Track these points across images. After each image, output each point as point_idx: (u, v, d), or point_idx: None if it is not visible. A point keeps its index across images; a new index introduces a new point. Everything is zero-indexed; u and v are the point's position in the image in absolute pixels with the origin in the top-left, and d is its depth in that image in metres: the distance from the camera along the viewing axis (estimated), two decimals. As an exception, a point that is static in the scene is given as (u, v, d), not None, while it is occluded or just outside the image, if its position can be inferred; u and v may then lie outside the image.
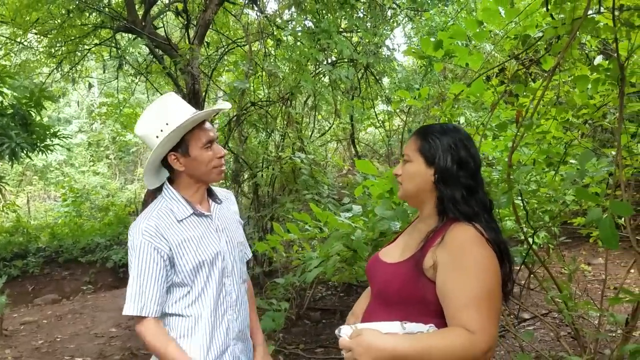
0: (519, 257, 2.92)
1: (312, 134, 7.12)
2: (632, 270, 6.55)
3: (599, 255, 7.10)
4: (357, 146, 10.82)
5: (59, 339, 5.27)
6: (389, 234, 3.05)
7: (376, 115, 8.18)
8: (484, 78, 3.80)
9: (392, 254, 1.60)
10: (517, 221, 2.78)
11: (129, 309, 1.74)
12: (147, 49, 9.06)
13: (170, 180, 1.90)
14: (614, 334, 2.84)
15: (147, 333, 1.74)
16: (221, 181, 6.85)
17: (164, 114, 1.79)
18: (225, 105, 2.00)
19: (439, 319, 1.39)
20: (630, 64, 2.97)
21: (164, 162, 1.84)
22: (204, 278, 1.82)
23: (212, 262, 1.83)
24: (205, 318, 1.81)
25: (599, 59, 3.64)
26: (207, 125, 1.85)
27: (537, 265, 3.17)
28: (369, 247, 2.96)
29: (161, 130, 1.77)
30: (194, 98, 9.14)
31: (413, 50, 3.30)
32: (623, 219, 4.11)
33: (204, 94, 9.61)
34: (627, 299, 2.71)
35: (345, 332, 1.39)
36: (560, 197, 2.89)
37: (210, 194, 1.97)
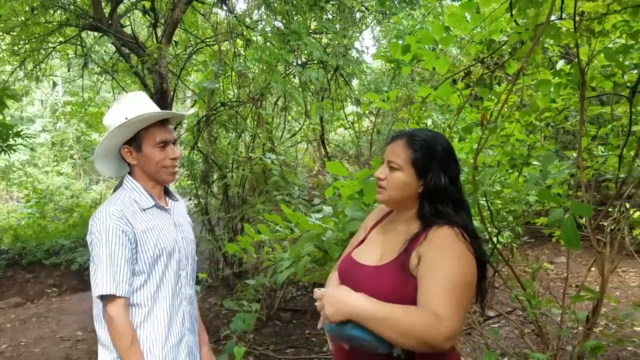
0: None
1: (282, 134, 7.12)
2: (592, 269, 6.77)
3: (561, 254, 7.31)
4: (327, 147, 10.87)
5: (23, 343, 5.15)
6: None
7: (346, 116, 8.23)
8: (450, 82, 3.89)
9: (369, 255, 1.63)
10: (481, 221, 2.85)
11: (103, 288, 1.73)
12: (114, 47, 8.93)
13: (130, 174, 1.96)
14: (575, 331, 2.93)
15: (118, 315, 1.74)
16: (190, 182, 6.80)
17: (129, 109, 1.86)
18: (182, 113, 2.05)
19: None
20: (590, 68, 3.07)
21: (122, 156, 1.92)
22: (162, 267, 1.86)
23: (170, 253, 1.89)
24: (163, 308, 1.86)
25: (560, 64, 3.77)
26: (167, 126, 1.92)
27: (502, 264, 3.25)
28: (339, 247, 2.99)
29: (120, 124, 1.84)
30: (162, 97, 9.03)
31: (382, 53, 3.35)
32: (584, 219, 4.25)
33: (172, 93, 9.53)
34: (588, 296, 2.82)
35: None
36: (523, 198, 2.98)
37: (167, 192, 2.05)
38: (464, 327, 1.46)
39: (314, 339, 4.90)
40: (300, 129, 7.54)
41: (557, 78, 3.22)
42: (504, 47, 3.59)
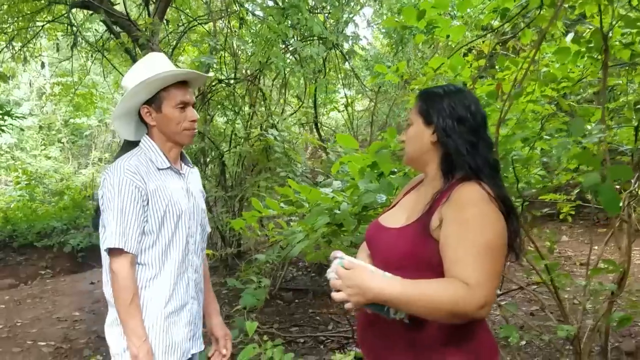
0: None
1: (282, 111, 6.98)
2: (595, 247, 6.75)
3: (562, 233, 7.27)
4: (321, 130, 10.73)
5: (19, 324, 5.01)
6: (374, 208, 3.00)
7: (346, 97, 8.08)
8: (461, 54, 3.77)
9: (396, 219, 1.57)
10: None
11: (112, 241, 1.70)
12: (104, 25, 8.68)
13: (148, 136, 1.93)
14: (598, 305, 2.86)
15: (122, 270, 1.71)
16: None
17: (149, 69, 1.82)
18: (203, 74, 1.99)
19: None
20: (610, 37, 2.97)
21: (141, 117, 1.89)
22: (171, 229, 1.83)
23: (179, 217, 1.85)
24: (169, 270, 1.83)
25: (569, 37, 3.66)
26: (187, 88, 1.89)
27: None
28: (354, 220, 2.89)
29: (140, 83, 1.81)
30: (155, 77, 8.87)
31: (395, 19, 3.22)
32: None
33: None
34: (610, 269, 2.75)
35: (340, 258, 1.38)
36: (555, 163, 2.88)
37: (182, 158, 2.01)
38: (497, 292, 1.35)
39: (318, 318, 4.83)
40: (300, 107, 7.38)
41: (575, 46, 3.12)
42: (518, 16, 3.48)
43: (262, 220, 4.17)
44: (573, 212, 4.95)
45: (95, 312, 5.34)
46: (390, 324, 1.40)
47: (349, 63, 7.41)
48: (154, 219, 1.79)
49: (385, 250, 1.50)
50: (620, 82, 3.64)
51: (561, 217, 4.81)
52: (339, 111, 11.35)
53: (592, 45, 3.00)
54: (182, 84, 1.86)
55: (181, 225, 1.86)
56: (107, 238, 1.71)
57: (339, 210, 3.08)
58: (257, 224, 3.71)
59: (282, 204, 3.30)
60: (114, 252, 1.71)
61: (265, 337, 3.17)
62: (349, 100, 10.10)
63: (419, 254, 1.40)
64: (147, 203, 1.77)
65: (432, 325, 1.38)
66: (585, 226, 7.33)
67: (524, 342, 3.41)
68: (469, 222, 1.32)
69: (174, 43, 9.40)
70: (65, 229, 9.23)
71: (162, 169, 1.87)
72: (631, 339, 3.45)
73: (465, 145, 1.44)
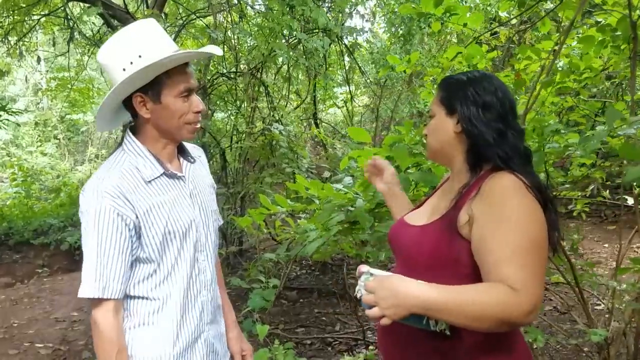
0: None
1: (287, 105, 6.82)
2: (605, 245, 6.62)
3: (570, 230, 7.13)
4: (320, 126, 10.58)
5: (16, 325, 4.85)
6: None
7: (350, 92, 7.91)
8: (475, 43, 3.62)
9: (420, 217, 1.46)
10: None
11: (87, 291, 1.38)
12: (102, 19, 8.51)
13: (133, 130, 1.53)
14: (622, 306, 2.72)
15: (105, 321, 1.40)
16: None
17: (138, 44, 1.42)
18: (216, 49, 1.57)
19: (473, 282, 1.23)
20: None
21: (127, 104, 1.48)
22: (174, 253, 1.49)
23: (184, 234, 1.51)
24: (175, 301, 1.50)
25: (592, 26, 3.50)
26: (189, 70, 1.49)
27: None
28: (370, 217, 2.74)
29: (131, 63, 1.40)
30: (153, 71, 8.70)
31: (413, 6, 3.07)
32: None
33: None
34: (637, 268, 2.61)
35: (367, 273, 1.25)
36: (589, 156, 2.73)
37: (182, 151, 1.62)
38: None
39: (324, 318, 4.68)
40: (303, 101, 7.21)
41: (600, 34, 2.97)
42: (536, 6, 3.34)
43: (266, 217, 4.01)
44: (588, 209, 4.82)
45: (94, 312, 5.19)
46: (416, 331, 1.28)
47: (352, 56, 7.25)
48: (152, 246, 1.45)
49: (409, 248, 1.39)
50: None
51: (575, 213, 4.67)
52: (338, 107, 11.20)
53: (618, 33, 2.85)
54: (184, 65, 1.46)
55: (188, 243, 1.53)
56: (82, 284, 1.40)
57: (352, 207, 2.94)
58: (262, 223, 3.57)
59: (289, 201, 3.16)
60: (94, 300, 1.40)
61: (274, 340, 3.02)
62: (349, 96, 9.96)
63: (445, 252, 1.28)
64: (139, 231, 1.43)
65: (466, 334, 1.25)
66: (594, 223, 7.21)
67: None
68: (508, 218, 1.19)
69: (173, 37, 9.25)
70: (63, 227, 9.05)
71: (151, 180, 1.49)
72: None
73: (493, 134, 1.31)
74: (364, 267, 1.27)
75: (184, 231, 1.50)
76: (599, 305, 3.94)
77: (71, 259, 8.12)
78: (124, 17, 8.21)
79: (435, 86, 3.75)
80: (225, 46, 6.69)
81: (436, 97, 1.44)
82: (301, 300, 5.19)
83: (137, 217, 1.42)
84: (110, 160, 1.49)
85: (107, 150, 18.29)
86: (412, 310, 1.15)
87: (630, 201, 3.69)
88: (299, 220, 3.56)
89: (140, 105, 1.45)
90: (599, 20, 3.46)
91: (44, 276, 7.37)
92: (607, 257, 5.88)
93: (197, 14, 9.24)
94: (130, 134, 1.51)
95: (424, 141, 1.51)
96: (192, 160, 1.64)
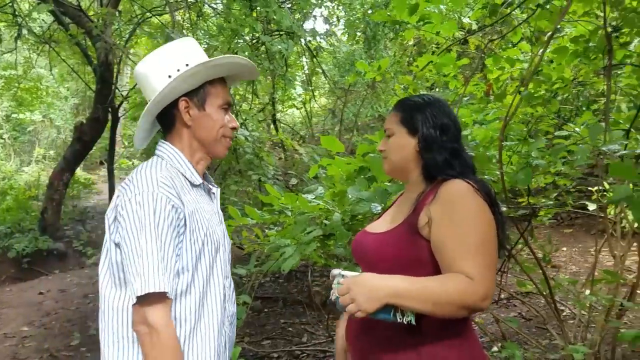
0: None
1: (250, 107, 6.65)
2: (564, 248, 6.75)
3: (540, 237, 7.25)
4: (279, 128, 10.46)
5: (-42, 343, 4.53)
6: (365, 217, 2.78)
7: (312, 93, 7.81)
8: (445, 52, 3.59)
9: (380, 225, 1.58)
10: (505, 200, 2.58)
11: (154, 283, 1.19)
12: (52, 15, 8.14)
13: (168, 141, 1.46)
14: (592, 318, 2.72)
15: (166, 325, 1.22)
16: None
17: (184, 54, 1.42)
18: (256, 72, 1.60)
19: None
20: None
21: (164, 114, 1.43)
22: (207, 266, 1.35)
23: (217, 251, 1.39)
24: (207, 325, 1.34)
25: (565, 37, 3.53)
26: (228, 85, 1.51)
27: (518, 247, 3.01)
28: (345, 230, 2.65)
29: (177, 70, 1.38)
30: (107, 70, 8.35)
31: (388, 14, 3.00)
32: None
33: (116, 66, 8.83)
34: (609, 280, 2.61)
35: (339, 275, 1.36)
36: (572, 173, 2.73)
37: (205, 175, 1.55)
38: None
39: (290, 329, 4.56)
40: (267, 104, 7.07)
41: (574, 45, 2.98)
42: (512, 13, 3.32)
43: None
44: (550, 216, 4.88)
45: (47, 326, 4.90)
46: (391, 329, 1.39)
47: (315, 59, 7.15)
48: (191, 252, 1.31)
49: (373, 253, 1.48)
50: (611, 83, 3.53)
51: (538, 220, 4.73)
52: (297, 108, 11.11)
53: (592, 45, 2.86)
54: (223, 80, 1.47)
55: (219, 263, 1.41)
56: (143, 279, 1.20)
57: (327, 219, 2.85)
58: (229, 234, 3.43)
59: (260, 212, 3.04)
60: (150, 299, 1.21)
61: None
62: (308, 97, 9.87)
63: (407, 253, 1.41)
64: (184, 231, 1.30)
65: (434, 328, 1.39)
66: (551, 226, 7.35)
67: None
68: (462, 218, 1.35)
69: (127, 35, 8.94)
70: (9, 233, 8.61)
71: (195, 186, 1.42)
72: (617, 347, 3.35)
73: (446, 155, 1.48)
74: (335, 271, 1.38)
75: (217, 247, 1.40)
76: (563, 310, 3.98)
77: (19, 267, 7.72)
78: (76, 15, 7.89)
79: (407, 93, 3.71)
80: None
81: (394, 117, 1.57)
82: (266, 310, 5.05)
83: (185, 215, 1.31)
84: (150, 163, 1.38)
85: (55, 150, 17.58)
86: (384, 301, 1.26)
87: (592, 207, 3.76)
88: (267, 232, 3.44)
89: (184, 110, 1.41)
90: (567, 29, 3.50)
91: (-11, 287, 6.95)
92: (567, 260, 5.99)
93: (153, 12, 8.97)
94: (167, 143, 1.43)
95: (384, 155, 1.59)
96: (215, 186, 1.55)
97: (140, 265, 1.21)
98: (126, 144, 16.43)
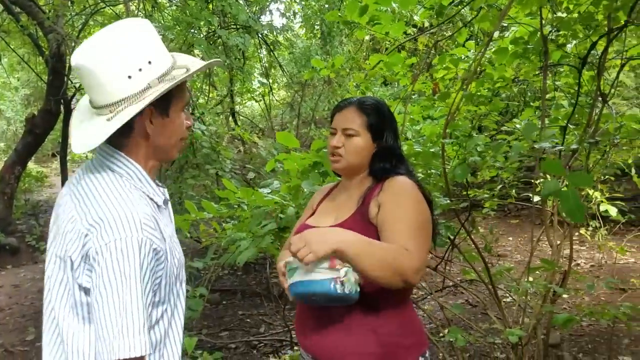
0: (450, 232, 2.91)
1: (207, 101, 6.66)
2: (510, 238, 7.07)
3: (477, 224, 7.54)
4: (238, 120, 10.45)
5: None
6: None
7: (270, 85, 7.86)
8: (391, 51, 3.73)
9: (324, 219, 1.66)
10: (447, 193, 2.74)
11: (136, 347, 1.06)
12: (2, 5, 7.90)
13: (121, 151, 1.24)
14: (532, 304, 2.92)
15: None
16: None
17: (144, 48, 1.18)
18: (218, 61, 1.41)
19: None
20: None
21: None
22: (177, 289, 1.25)
23: (180, 269, 1.27)
24: (176, 332, 1.26)
25: (496, 34, 3.72)
26: None
27: (460, 237, 3.19)
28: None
29: (139, 70, 1.16)
30: (59, 62, 8.18)
31: (339, 14, 3.11)
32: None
33: (68, 59, 8.64)
34: (546, 268, 2.81)
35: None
36: (509, 167, 2.90)
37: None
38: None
39: (249, 320, 4.65)
40: (224, 97, 7.09)
41: (513, 47, 3.16)
42: (455, 16, 3.49)
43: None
44: (495, 207, 5.11)
45: (0, 322, 4.84)
46: (346, 315, 1.50)
47: (273, 54, 7.21)
48: (168, 284, 1.20)
49: None
50: (548, 82, 3.74)
51: (484, 212, 4.95)
52: (256, 101, 11.11)
53: (530, 46, 3.05)
54: None
55: (182, 279, 1.29)
56: (123, 340, 1.05)
57: (282, 213, 2.95)
58: (187, 227, 3.49)
59: (217, 206, 3.11)
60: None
61: (201, 352, 2.97)
62: (267, 90, 9.89)
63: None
64: (163, 267, 1.17)
65: (388, 310, 1.52)
66: (498, 217, 7.66)
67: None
68: (404, 204, 1.51)
69: (80, 26, 8.77)
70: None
71: (160, 206, 1.26)
72: (556, 331, 3.59)
73: (398, 157, 1.67)
74: (289, 258, 1.41)
75: (181, 265, 1.28)
76: (507, 297, 4.20)
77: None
78: (26, 4, 7.68)
79: (359, 92, 3.83)
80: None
81: (358, 118, 1.64)
82: (224, 302, 5.12)
83: (166, 251, 1.17)
84: (114, 183, 1.18)
85: (5, 143, 17.03)
86: (334, 246, 1.32)
87: (535, 199, 3.98)
88: (225, 225, 3.51)
89: (148, 122, 1.21)
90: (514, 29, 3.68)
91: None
92: (512, 250, 6.28)
93: (107, 2, 8.81)
94: (125, 156, 1.22)
95: (338, 152, 1.64)
96: (163, 186, 1.34)
97: (122, 324, 1.06)
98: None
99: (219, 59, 1.45)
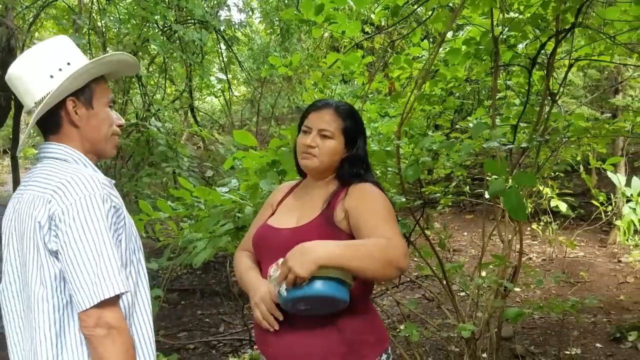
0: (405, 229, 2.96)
1: (163, 97, 6.54)
2: (465, 233, 7.22)
3: (433, 220, 7.68)
4: (197, 116, 10.32)
5: None
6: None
7: (228, 81, 7.79)
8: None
9: (286, 221, 1.65)
10: (402, 191, 2.79)
11: (114, 285, 1.20)
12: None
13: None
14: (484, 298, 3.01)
15: (123, 325, 1.24)
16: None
17: (64, 53, 1.37)
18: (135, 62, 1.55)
19: None
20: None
21: (47, 117, 1.36)
22: (137, 261, 1.38)
23: (141, 251, 1.42)
24: (143, 314, 1.37)
25: (449, 35, 3.80)
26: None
27: (415, 234, 3.25)
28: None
29: (60, 70, 1.34)
30: (9, 56, 7.89)
31: (295, 12, 3.11)
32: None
33: (19, 52, 8.36)
34: (498, 263, 2.89)
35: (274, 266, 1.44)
36: (456, 166, 2.96)
37: None
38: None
39: (208, 320, 4.62)
40: (182, 93, 6.98)
41: (465, 47, 3.23)
42: (410, 16, 3.54)
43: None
44: (450, 203, 5.23)
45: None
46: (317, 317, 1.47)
47: (231, 50, 7.15)
48: (127, 250, 1.34)
49: (289, 248, 1.45)
50: (500, 80, 3.84)
51: (439, 208, 5.05)
52: (215, 96, 10.98)
53: (482, 47, 3.12)
54: (104, 77, 1.44)
55: (143, 260, 1.43)
56: (100, 283, 1.20)
57: (239, 212, 2.94)
58: (142, 227, 3.43)
59: (173, 205, 3.07)
60: (107, 302, 1.21)
61: (158, 354, 2.93)
62: (226, 85, 9.78)
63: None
64: (123, 230, 1.31)
65: (350, 312, 1.50)
66: (454, 212, 7.81)
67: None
68: (373, 202, 1.55)
69: (31, 19, 8.49)
70: None
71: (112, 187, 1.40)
72: (508, 324, 3.70)
73: (364, 165, 1.70)
74: (270, 270, 1.44)
75: (140, 245, 1.41)
76: (461, 292, 4.31)
77: None
78: (-28, -5, 7.37)
79: (317, 90, 3.85)
80: (92, 32, 6.28)
81: (334, 122, 1.65)
82: (183, 302, 5.06)
83: (124, 214, 1.33)
84: (60, 166, 1.32)
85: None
86: (318, 262, 1.32)
87: (487, 195, 4.09)
88: (182, 224, 3.47)
89: (72, 111, 1.36)
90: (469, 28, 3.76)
91: None
92: (467, 245, 6.43)
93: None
94: (66, 145, 1.36)
95: (312, 152, 1.64)
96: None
97: (96, 269, 1.20)
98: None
99: (122, 53, 1.51)
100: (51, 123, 1.37)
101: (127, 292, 1.25)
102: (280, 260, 1.40)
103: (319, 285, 1.35)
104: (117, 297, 1.24)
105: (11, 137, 9.34)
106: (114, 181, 1.42)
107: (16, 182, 8.18)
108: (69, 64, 1.35)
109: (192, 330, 4.38)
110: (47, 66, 1.34)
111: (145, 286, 1.41)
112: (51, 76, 1.33)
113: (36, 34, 9.52)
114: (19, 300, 1.34)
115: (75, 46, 1.43)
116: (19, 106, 8.51)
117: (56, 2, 8.67)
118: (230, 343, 4.07)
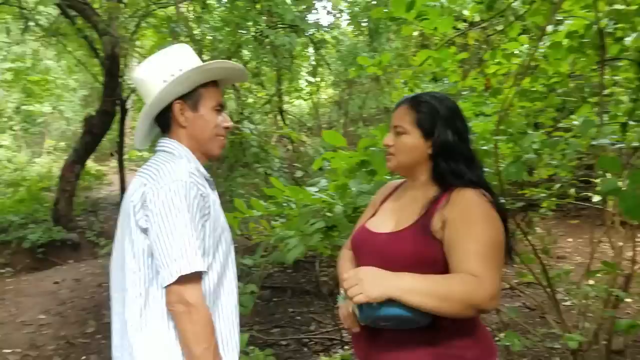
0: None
1: (255, 102, 6.73)
2: (569, 239, 6.81)
3: (535, 225, 7.28)
4: (285, 119, 10.52)
5: (-21, 330, 4.70)
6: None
7: (317, 84, 7.88)
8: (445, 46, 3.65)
9: (384, 224, 1.58)
10: (501, 193, 2.66)
11: (192, 263, 1.33)
12: (59, 9, 8.22)
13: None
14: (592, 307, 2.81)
15: (202, 305, 1.36)
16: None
17: (178, 60, 1.53)
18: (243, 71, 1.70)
19: None
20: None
21: (161, 116, 1.56)
22: (223, 253, 1.51)
23: (230, 243, 1.56)
24: (227, 306, 1.51)
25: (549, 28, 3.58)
26: (221, 88, 1.64)
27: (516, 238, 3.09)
28: (348, 222, 2.75)
29: (172, 75, 1.49)
30: (114, 64, 8.44)
31: (385, 10, 3.07)
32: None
33: (123, 59, 8.90)
34: (605, 271, 2.69)
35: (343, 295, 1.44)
36: (566, 166, 2.80)
37: None
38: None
39: (299, 318, 4.69)
40: (272, 97, 7.15)
41: (568, 41, 3.03)
42: (511, 7, 3.38)
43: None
44: (554, 207, 4.94)
45: (63, 314, 5.06)
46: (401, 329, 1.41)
47: (319, 52, 7.22)
48: (212, 238, 1.46)
49: (383, 254, 1.47)
50: (607, 76, 3.58)
51: (541, 211, 4.78)
52: (304, 99, 11.13)
53: (586, 40, 2.92)
54: (217, 83, 1.59)
55: (233, 252, 1.58)
56: (182, 259, 1.33)
57: (330, 212, 2.95)
58: (237, 225, 3.54)
59: (266, 204, 3.14)
60: (187, 278, 1.34)
61: (252, 348, 3.01)
62: (315, 88, 9.88)
63: (422, 253, 1.42)
64: (208, 218, 1.45)
65: (447, 326, 1.41)
66: (557, 217, 7.36)
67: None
68: (475, 222, 1.39)
69: (133, 28, 9.01)
70: (23, 223, 8.75)
71: (207, 180, 1.54)
72: (619, 336, 3.43)
73: (465, 162, 1.51)
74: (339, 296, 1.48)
75: (231, 240, 1.56)
76: (566, 300, 4.05)
77: (34, 257, 7.88)
78: (81, 8, 7.96)
79: (407, 89, 3.78)
80: (188, 39, 6.57)
81: (408, 115, 1.54)
82: (275, 299, 5.18)
83: (210, 204, 1.47)
84: (168, 159, 1.48)
85: (66, 142, 17.74)
86: (389, 290, 1.29)
87: (595, 198, 3.81)
88: (274, 223, 3.54)
89: (178, 112, 1.53)
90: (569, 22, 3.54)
91: (7, 276, 7.13)
92: (572, 251, 6.06)
93: (158, 4, 9.01)
94: (174, 141, 1.54)
95: (390, 151, 1.58)
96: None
97: (179, 247, 1.33)
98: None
99: (225, 61, 1.65)
100: (163, 122, 1.56)
101: (205, 272, 1.38)
102: (351, 271, 1.39)
103: (394, 306, 1.31)
104: (198, 277, 1.37)
105: (117, 140, 9.98)
106: (211, 178, 1.58)
107: (123, 183, 8.72)
108: (180, 70, 1.50)
109: (284, 327, 4.46)
110: (163, 72, 1.51)
111: (233, 279, 1.54)
112: (164, 81, 1.49)
113: (138, 42, 10.14)
114: (122, 273, 1.47)
115: (194, 54, 1.58)
116: (124, 111, 9.08)
117: (155, 12, 9.18)
118: (322, 342, 4.10)
